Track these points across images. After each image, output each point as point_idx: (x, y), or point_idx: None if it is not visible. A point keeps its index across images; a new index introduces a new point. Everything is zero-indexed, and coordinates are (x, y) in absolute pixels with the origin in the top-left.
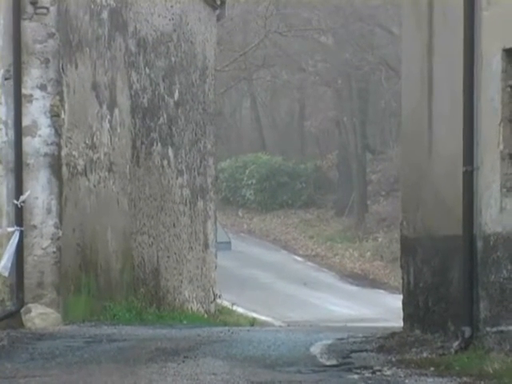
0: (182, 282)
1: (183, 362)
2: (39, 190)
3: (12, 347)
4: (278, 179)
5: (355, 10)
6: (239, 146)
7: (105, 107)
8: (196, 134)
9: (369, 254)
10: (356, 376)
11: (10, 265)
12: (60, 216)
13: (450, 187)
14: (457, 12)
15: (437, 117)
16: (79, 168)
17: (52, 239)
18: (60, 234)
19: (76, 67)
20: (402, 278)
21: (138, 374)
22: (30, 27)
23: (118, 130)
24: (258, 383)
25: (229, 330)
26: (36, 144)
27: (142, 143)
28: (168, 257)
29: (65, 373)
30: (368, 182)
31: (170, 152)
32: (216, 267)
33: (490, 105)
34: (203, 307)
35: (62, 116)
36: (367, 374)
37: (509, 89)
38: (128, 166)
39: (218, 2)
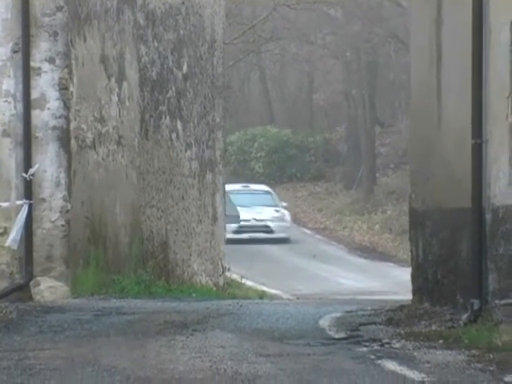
0: (190, 255)
1: (192, 335)
2: (48, 164)
3: (21, 320)
4: (287, 152)
5: None
6: (248, 119)
7: (113, 80)
8: (205, 107)
9: (377, 226)
10: (365, 349)
11: (18, 238)
12: (69, 189)
13: (458, 160)
14: None
15: (445, 89)
16: (88, 141)
17: (61, 212)
18: (69, 207)
19: (84, 40)
20: (411, 251)
21: (146, 347)
22: (38, 0)
23: (127, 103)
24: (266, 356)
25: (238, 303)
26: (45, 117)
27: (151, 116)
28: (177, 230)
29: (74, 346)
30: (377, 155)
31: (179, 125)
32: (225, 240)
33: (499, 77)
34: (212, 280)
35: (71, 89)
36: (376, 346)
37: None
38: (137, 139)
39: None
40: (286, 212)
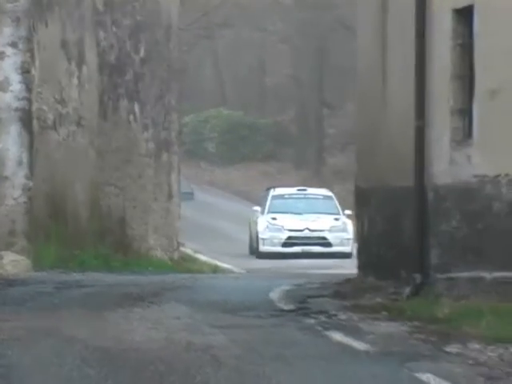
0: (147, 230)
1: (148, 307)
2: (10, 143)
3: None
4: (239, 133)
5: None
6: (202, 101)
7: (73, 64)
8: (161, 90)
9: None
10: (313, 320)
11: None
12: (31, 168)
13: (402, 140)
14: None
15: (390, 73)
16: (49, 122)
17: (23, 190)
18: (31, 184)
19: (46, 26)
20: (357, 227)
21: (105, 318)
22: None
23: (86, 86)
24: (219, 327)
25: (192, 277)
26: (7, 99)
27: (109, 98)
28: (134, 207)
29: (36, 317)
30: (325, 136)
31: (136, 107)
32: (179, 217)
33: (441, 62)
34: (167, 255)
35: (33, 72)
36: (323, 318)
37: (458, 47)
38: (96, 121)
39: None
40: (348, 221)
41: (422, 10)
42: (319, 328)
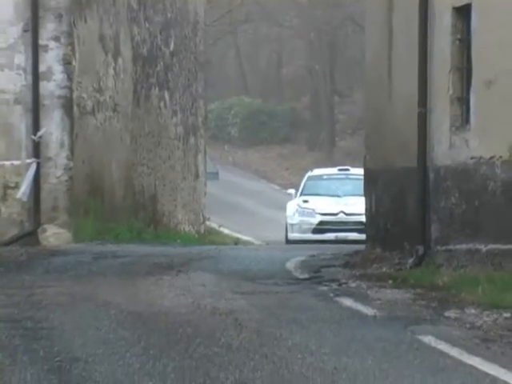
0: (176, 206)
1: (177, 275)
2: (53, 127)
3: (30, 262)
4: (259, 119)
5: None
6: (225, 90)
7: (110, 56)
8: (189, 80)
9: None
10: (325, 288)
11: (28, 191)
12: (71, 149)
13: (406, 126)
14: None
15: (395, 65)
16: (88, 108)
17: (64, 169)
18: (71, 164)
19: (85, 21)
20: (365, 205)
21: (137, 285)
22: None
23: (122, 76)
24: (241, 293)
25: (216, 248)
26: (51, 87)
27: (142, 87)
28: (164, 185)
29: (76, 284)
30: (336, 122)
31: (166, 95)
32: (205, 194)
33: (441, 55)
34: (194, 228)
35: (73, 63)
36: (335, 286)
37: (457, 41)
38: (130, 107)
39: None
40: None
41: (424, 7)
42: (331, 295)
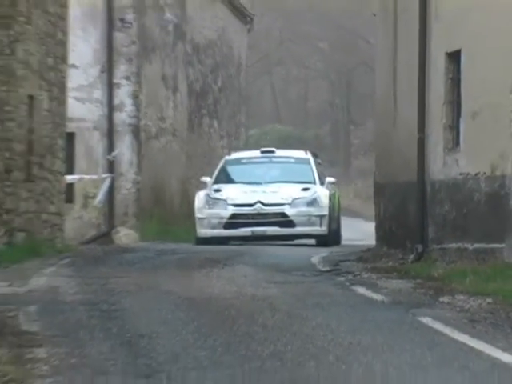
0: None
1: (223, 268)
2: (125, 149)
3: (105, 257)
4: (289, 142)
5: (343, 25)
6: (262, 119)
7: (170, 91)
8: (233, 111)
9: (351, 194)
10: (342, 278)
11: (103, 200)
12: (139, 167)
13: (408, 148)
14: (413, 24)
15: (399, 99)
16: (152, 134)
17: (133, 183)
18: (139, 179)
19: (150, 64)
20: (375, 211)
21: (192, 277)
22: (118, 36)
23: (179, 108)
24: (274, 283)
25: (253, 247)
26: (123, 117)
27: (195, 116)
28: None
29: (142, 275)
30: (351, 145)
31: (215, 123)
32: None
33: (436, 91)
34: None
35: (141, 97)
36: (350, 276)
37: (449, 80)
38: (185, 133)
39: (248, 20)
40: (323, 192)
41: (423, 53)
42: (347, 284)
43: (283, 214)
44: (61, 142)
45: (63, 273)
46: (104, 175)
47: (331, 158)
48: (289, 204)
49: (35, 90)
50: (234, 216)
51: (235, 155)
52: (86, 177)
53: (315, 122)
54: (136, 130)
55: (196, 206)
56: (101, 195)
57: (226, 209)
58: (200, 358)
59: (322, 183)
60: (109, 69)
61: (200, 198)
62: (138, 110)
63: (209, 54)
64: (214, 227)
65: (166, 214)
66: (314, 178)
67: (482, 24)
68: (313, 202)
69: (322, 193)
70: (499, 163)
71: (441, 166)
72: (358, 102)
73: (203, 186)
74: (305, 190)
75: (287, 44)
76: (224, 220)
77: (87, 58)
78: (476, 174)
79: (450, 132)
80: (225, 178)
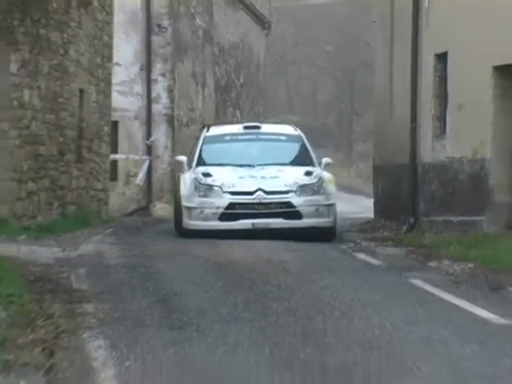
0: None
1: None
2: (160, 135)
3: (144, 227)
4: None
5: (346, 31)
6: (278, 110)
7: (199, 86)
8: (253, 103)
9: (353, 174)
10: (345, 246)
11: (143, 178)
12: (173, 150)
13: (402, 135)
14: (407, 30)
15: (395, 94)
16: (184, 122)
17: (168, 164)
18: (173, 161)
19: (183, 63)
20: (373, 189)
21: (218, 245)
22: (156, 39)
23: (207, 100)
24: (288, 250)
25: None
26: (159, 108)
27: (221, 108)
28: None
29: (175, 242)
30: (354, 132)
31: (238, 113)
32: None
33: (426, 87)
34: None
35: (175, 91)
36: (352, 245)
37: (437, 78)
38: (212, 121)
39: (266, 26)
40: (327, 176)
41: (415, 54)
42: (350, 251)
43: (289, 204)
44: (106, 129)
45: (108, 240)
46: (144, 157)
47: (336, 143)
48: (294, 192)
49: (85, 84)
50: (231, 206)
51: (214, 130)
52: (130, 156)
53: (323, 113)
54: (170, 119)
55: (182, 193)
56: (141, 174)
57: (221, 197)
58: (223, 313)
59: (319, 164)
60: (147, 67)
61: (186, 182)
62: (172, 102)
63: (232, 55)
64: (206, 218)
65: None
66: (312, 159)
67: (466, 31)
68: (319, 189)
69: (326, 177)
70: (480, 148)
71: (430, 151)
72: (359, 95)
73: (179, 165)
74: (308, 174)
75: (300, 47)
76: (220, 210)
77: (129, 58)
78: (460, 158)
79: (438, 122)
80: (208, 158)
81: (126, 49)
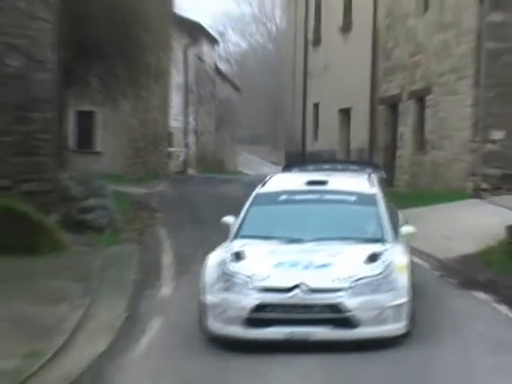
0: None
1: (235, 183)
2: (190, 139)
3: (184, 179)
4: None
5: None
6: None
7: (207, 115)
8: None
9: None
10: None
11: (183, 158)
12: (196, 146)
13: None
14: (300, 90)
15: (296, 126)
16: (200, 132)
17: (194, 152)
18: (196, 151)
19: (201, 106)
20: None
21: (217, 186)
22: (190, 96)
23: (206, 117)
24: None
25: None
26: (190, 126)
27: (219, 123)
28: None
29: (194, 187)
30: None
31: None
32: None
33: (309, 122)
34: None
35: (198, 120)
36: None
37: (314, 117)
38: (213, 131)
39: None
40: (399, 259)
41: (304, 103)
42: None
43: (338, 307)
44: (167, 136)
45: (167, 185)
46: (183, 148)
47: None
48: (347, 289)
49: (157, 115)
50: (260, 307)
51: (272, 185)
52: (178, 149)
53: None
54: (196, 132)
55: (205, 280)
56: (182, 156)
57: (247, 294)
58: (222, 216)
59: (395, 233)
60: (185, 109)
61: (211, 268)
62: (197, 124)
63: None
64: (227, 322)
65: (207, 164)
66: (384, 230)
67: (327, 91)
68: (384, 284)
69: (398, 261)
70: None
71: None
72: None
73: (226, 229)
74: (371, 259)
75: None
76: (245, 313)
77: (177, 109)
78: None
79: (314, 136)
80: (251, 227)
81: (175, 100)
